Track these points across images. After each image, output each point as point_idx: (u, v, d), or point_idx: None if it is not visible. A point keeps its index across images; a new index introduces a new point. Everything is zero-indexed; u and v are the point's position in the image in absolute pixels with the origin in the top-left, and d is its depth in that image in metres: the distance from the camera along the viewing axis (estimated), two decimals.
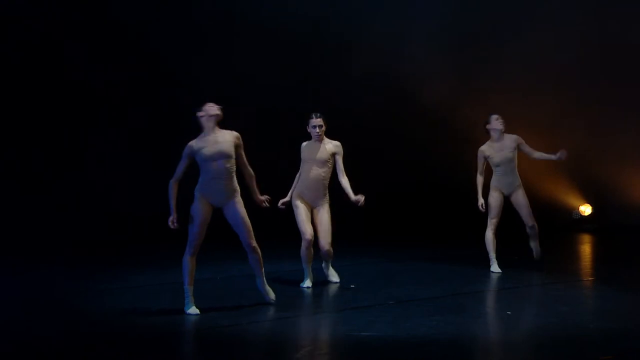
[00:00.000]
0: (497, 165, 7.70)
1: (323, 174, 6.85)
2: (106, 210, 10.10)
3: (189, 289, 5.91)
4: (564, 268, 8.41)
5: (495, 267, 7.66)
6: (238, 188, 5.94)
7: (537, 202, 11.61)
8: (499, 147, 7.65)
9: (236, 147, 5.91)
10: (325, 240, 6.84)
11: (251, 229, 5.95)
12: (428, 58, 10.88)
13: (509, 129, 7.74)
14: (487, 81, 11.03)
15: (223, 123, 5.99)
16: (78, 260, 8.78)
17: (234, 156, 5.87)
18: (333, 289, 6.99)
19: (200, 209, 5.84)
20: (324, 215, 6.85)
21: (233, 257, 8.59)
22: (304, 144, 6.99)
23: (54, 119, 10.15)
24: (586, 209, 11.91)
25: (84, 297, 6.60)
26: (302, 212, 6.87)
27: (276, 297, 6.35)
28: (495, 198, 7.71)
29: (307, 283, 6.97)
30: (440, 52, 10.94)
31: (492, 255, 7.71)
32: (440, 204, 11.56)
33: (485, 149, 7.70)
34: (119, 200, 10.15)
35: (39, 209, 9.91)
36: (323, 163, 6.85)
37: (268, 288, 6.22)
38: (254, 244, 6.01)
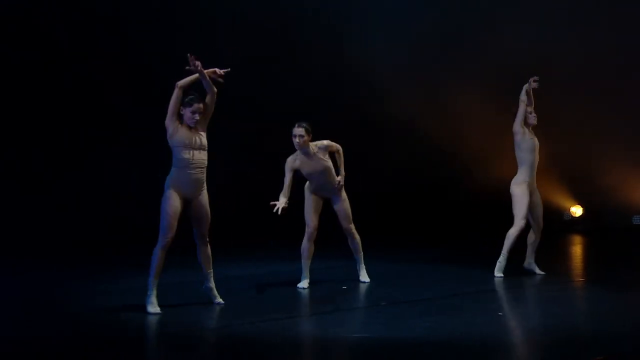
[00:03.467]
0: (530, 152, 7.42)
1: (329, 178, 6.91)
2: (106, 210, 10.14)
3: (153, 282, 5.91)
4: (556, 269, 8.49)
5: (499, 270, 7.45)
6: None
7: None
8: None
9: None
10: (348, 220, 7.02)
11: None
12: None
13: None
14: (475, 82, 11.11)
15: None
16: (78, 260, 8.79)
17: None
18: (328, 289, 7.01)
19: (174, 200, 5.84)
20: (343, 203, 6.99)
21: (227, 259, 8.66)
22: (293, 159, 6.78)
23: (53, 119, 10.13)
24: (577, 211, 12.02)
25: (84, 298, 6.63)
26: (311, 203, 6.94)
27: (271, 297, 6.43)
28: (526, 193, 7.44)
29: (304, 284, 7.01)
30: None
31: (505, 255, 7.42)
32: (437, 205, 11.64)
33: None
34: (119, 200, 10.19)
35: (39, 209, 9.89)
36: (326, 170, 6.88)
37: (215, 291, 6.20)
38: (207, 237, 6.09)
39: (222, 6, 10.66)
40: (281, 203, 6.51)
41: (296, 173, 6.83)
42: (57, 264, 8.52)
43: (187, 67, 5.84)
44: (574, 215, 12.01)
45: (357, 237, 7.16)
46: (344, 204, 7.02)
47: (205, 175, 5.97)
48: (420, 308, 6.20)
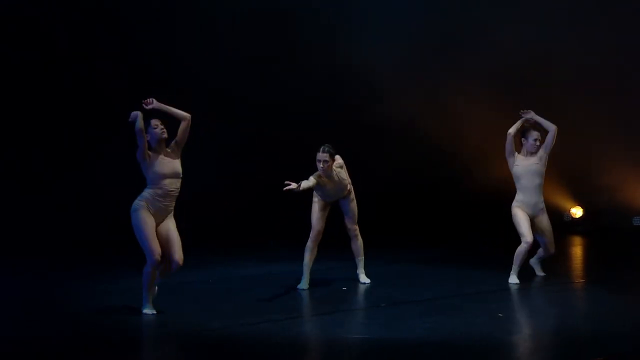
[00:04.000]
0: (519, 179, 7.33)
1: (345, 193, 7.03)
2: (106, 210, 10.12)
3: (148, 297, 5.97)
4: (556, 270, 8.50)
5: (514, 278, 7.29)
6: None
7: None
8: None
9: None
10: (352, 221, 7.07)
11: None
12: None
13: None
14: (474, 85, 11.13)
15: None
16: (78, 260, 8.80)
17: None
18: (328, 290, 7.02)
19: (147, 219, 5.83)
20: (350, 204, 7.04)
21: (226, 260, 8.67)
22: (315, 180, 6.71)
23: (54, 118, 10.13)
24: (577, 212, 12.04)
25: (84, 298, 6.64)
26: (319, 206, 6.98)
27: (271, 298, 6.45)
28: (520, 212, 7.30)
29: (303, 285, 7.01)
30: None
31: (516, 271, 7.30)
32: (437, 205, 11.64)
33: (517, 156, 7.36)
34: (119, 200, 10.17)
35: (39, 208, 9.90)
36: (345, 188, 7.00)
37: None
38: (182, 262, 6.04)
39: (221, 7, 10.65)
40: (295, 185, 6.44)
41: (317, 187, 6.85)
42: (58, 263, 8.53)
43: (145, 108, 5.91)
44: (574, 216, 12.01)
45: (360, 239, 7.19)
46: (351, 204, 7.09)
47: (175, 202, 5.97)
48: (420, 309, 6.21)
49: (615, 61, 10.79)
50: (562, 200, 12.01)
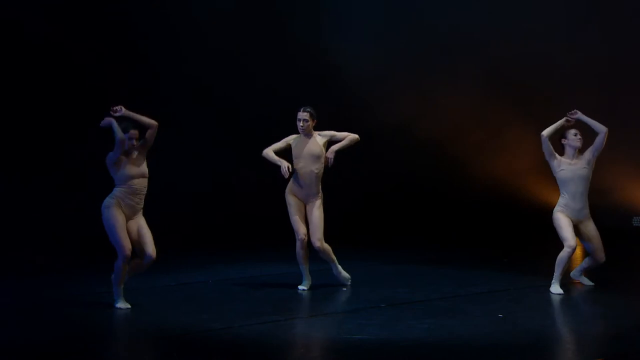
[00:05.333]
0: (563, 183, 6.94)
1: (316, 170, 6.85)
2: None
3: (119, 290, 6.20)
4: (553, 271, 8.52)
5: (556, 288, 6.95)
6: None
7: (527, 207, 11.81)
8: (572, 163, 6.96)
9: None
10: (315, 236, 6.84)
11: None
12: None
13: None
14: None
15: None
16: (78, 261, 8.77)
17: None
18: (326, 291, 7.04)
19: (118, 215, 6.13)
20: (315, 212, 6.86)
21: (226, 261, 8.68)
22: (293, 138, 6.92)
23: (54, 118, 10.12)
24: None
25: (82, 300, 6.64)
26: (295, 210, 6.92)
27: (272, 299, 6.47)
28: (563, 217, 6.93)
29: (304, 285, 7.03)
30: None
31: (558, 278, 6.96)
32: (435, 206, 11.68)
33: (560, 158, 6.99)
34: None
35: (39, 208, 9.86)
36: (316, 157, 6.83)
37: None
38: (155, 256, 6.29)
39: (213, 14, 10.70)
40: (284, 165, 6.69)
41: (288, 152, 6.88)
42: (57, 266, 8.47)
43: (114, 115, 6.20)
44: None
45: (325, 246, 6.94)
46: (317, 211, 6.87)
47: (143, 200, 6.30)
48: (419, 309, 6.23)
49: (615, 61, 10.83)
50: None
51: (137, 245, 6.21)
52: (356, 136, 6.89)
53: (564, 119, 6.97)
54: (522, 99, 11.23)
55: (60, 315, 6.07)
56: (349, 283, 7.13)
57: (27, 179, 10.09)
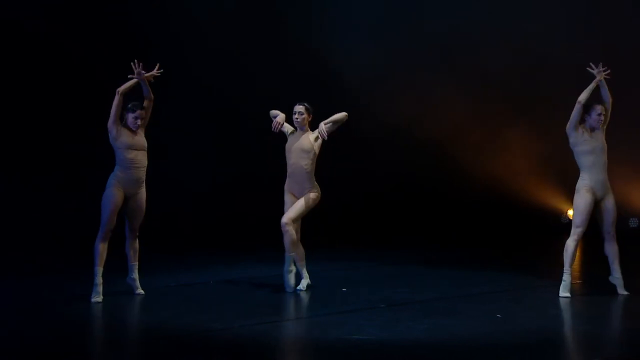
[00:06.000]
0: (586, 155, 6.72)
1: (305, 165, 6.88)
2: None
3: (98, 269, 6.41)
4: (553, 271, 8.56)
5: (565, 290, 6.77)
6: None
7: (527, 207, 11.86)
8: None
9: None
10: (287, 215, 6.82)
11: None
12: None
13: None
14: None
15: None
16: (78, 261, 8.81)
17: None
18: (327, 292, 7.06)
19: (115, 196, 6.43)
20: (301, 199, 6.88)
21: (227, 262, 8.71)
22: (291, 130, 7.00)
23: (54, 118, 10.17)
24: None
25: (82, 300, 6.61)
26: (289, 207, 6.97)
27: (271, 300, 6.51)
28: (584, 199, 6.76)
29: (303, 284, 7.04)
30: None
31: (568, 270, 6.79)
32: (432, 206, 11.73)
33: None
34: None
35: (39, 208, 9.93)
36: (305, 153, 6.88)
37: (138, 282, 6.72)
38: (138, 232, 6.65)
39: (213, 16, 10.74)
40: (275, 121, 6.96)
41: (282, 146, 6.99)
42: (56, 267, 8.50)
43: (129, 76, 6.51)
44: (571, 218, 12.08)
45: (291, 233, 6.86)
46: (304, 198, 6.88)
47: (145, 173, 6.57)
48: (418, 310, 6.26)
49: (612, 62, 10.84)
50: (559, 203, 12.13)
51: (129, 218, 6.57)
52: (344, 113, 6.91)
53: (596, 79, 6.75)
54: (522, 99, 11.28)
55: (61, 315, 6.09)
56: (292, 290, 6.89)
57: (27, 179, 10.15)
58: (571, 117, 6.76)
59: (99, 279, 6.43)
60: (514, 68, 11.01)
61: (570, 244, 6.80)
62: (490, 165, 11.90)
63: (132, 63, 6.50)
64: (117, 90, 6.45)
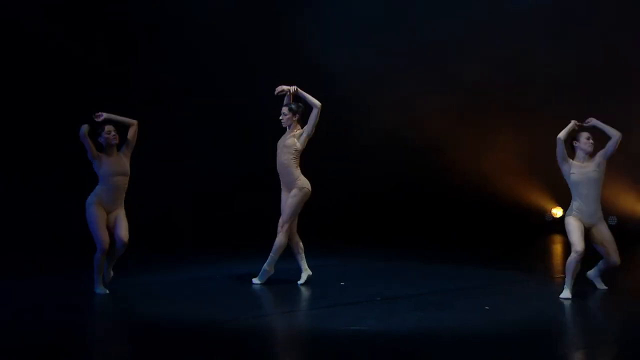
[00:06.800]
0: (575, 187, 6.75)
1: (285, 160, 7.08)
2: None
3: (99, 278, 6.71)
4: (538, 266, 8.81)
5: (566, 293, 6.70)
6: None
7: (512, 206, 12.06)
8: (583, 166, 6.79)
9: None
10: (281, 218, 7.10)
11: None
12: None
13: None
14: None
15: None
16: (78, 261, 8.74)
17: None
18: (327, 286, 7.17)
19: (98, 212, 6.68)
20: (288, 200, 7.09)
21: (233, 257, 8.81)
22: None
23: (54, 118, 10.10)
24: (558, 212, 12.41)
25: (82, 300, 6.64)
26: (283, 203, 7.20)
27: (273, 294, 6.71)
28: (574, 222, 6.73)
29: (302, 277, 7.21)
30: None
31: (569, 283, 6.71)
32: (423, 207, 11.89)
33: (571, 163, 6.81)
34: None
35: (39, 208, 9.90)
36: (287, 148, 7.07)
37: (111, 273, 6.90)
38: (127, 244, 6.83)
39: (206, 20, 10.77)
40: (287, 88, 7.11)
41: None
42: (57, 264, 8.46)
43: (97, 121, 6.75)
44: (554, 216, 12.38)
45: (281, 238, 7.11)
46: (290, 200, 7.08)
47: (124, 196, 6.83)
48: (412, 303, 6.44)
49: (593, 68, 11.07)
50: (543, 202, 12.35)
51: (112, 230, 6.75)
52: (319, 103, 7.09)
53: (573, 122, 6.84)
54: (511, 104, 11.28)
55: (61, 315, 6.05)
56: (257, 283, 7.11)
57: (27, 179, 10.08)
58: (557, 154, 6.80)
59: (100, 285, 6.70)
60: (500, 75, 11.05)
61: (572, 262, 6.67)
62: (478, 166, 11.96)
63: (93, 116, 6.72)
64: (80, 134, 6.64)
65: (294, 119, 7.13)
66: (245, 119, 10.93)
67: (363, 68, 11.20)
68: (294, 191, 7.06)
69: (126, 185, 6.80)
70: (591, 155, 6.82)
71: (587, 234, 6.76)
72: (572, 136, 6.85)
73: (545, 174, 11.74)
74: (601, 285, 7.01)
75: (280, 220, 7.12)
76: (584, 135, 6.80)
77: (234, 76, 11.04)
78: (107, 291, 6.68)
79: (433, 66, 11.24)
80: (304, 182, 7.09)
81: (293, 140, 7.09)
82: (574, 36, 10.85)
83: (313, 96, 7.10)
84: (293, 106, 7.14)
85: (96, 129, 6.74)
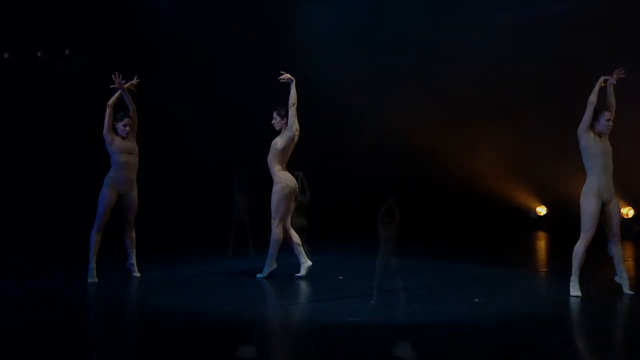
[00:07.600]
0: (596, 159, 6.54)
1: (269, 160, 7.51)
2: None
3: (93, 257, 7.18)
4: (523, 261, 9.12)
5: (575, 290, 6.63)
6: None
7: (498, 205, 12.33)
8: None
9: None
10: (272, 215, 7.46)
11: None
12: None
13: None
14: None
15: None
16: (78, 261, 8.98)
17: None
18: (326, 280, 7.39)
19: (109, 195, 7.25)
20: (272, 196, 7.45)
21: (238, 254, 8.99)
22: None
23: (54, 118, 10.27)
24: (542, 210, 12.77)
25: (82, 300, 6.70)
26: None
27: (275, 287, 6.95)
28: (592, 204, 6.54)
29: (302, 270, 7.43)
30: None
31: (576, 272, 6.61)
32: (419, 205, 12.17)
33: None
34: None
35: (39, 208, 10.02)
36: (272, 148, 7.50)
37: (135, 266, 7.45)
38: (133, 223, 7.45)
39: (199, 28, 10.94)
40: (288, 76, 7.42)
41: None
42: (61, 258, 8.55)
43: (111, 86, 7.26)
44: (539, 214, 12.74)
45: (275, 234, 7.39)
46: (272, 197, 7.44)
47: (136, 173, 7.39)
48: (405, 296, 6.62)
49: (569, 75, 11.32)
50: (528, 200, 12.67)
51: (123, 211, 7.35)
52: (292, 102, 7.39)
53: (602, 79, 6.61)
54: (503, 105, 11.51)
55: (61, 315, 6.05)
56: (261, 277, 7.39)
57: (27, 179, 10.19)
58: (583, 120, 6.56)
59: (94, 264, 7.18)
60: (487, 81, 11.27)
61: (580, 249, 6.57)
62: (466, 168, 12.17)
63: (112, 75, 7.22)
64: (107, 104, 7.25)
65: (282, 122, 7.48)
66: (245, 118, 11.06)
67: (358, 75, 11.36)
68: (274, 188, 7.42)
69: (137, 164, 7.36)
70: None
71: (602, 211, 6.56)
72: (595, 115, 6.61)
73: (530, 175, 12.08)
74: (628, 290, 6.77)
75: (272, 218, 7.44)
76: (605, 116, 6.58)
77: (234, 77, 11.20)
78: (97, 279, 7.10)
79: (422, 72, 11.43)
80: (282, 179, 7.38)
81: (277, 140, 7.49)
82: (557, 45, 11.05)
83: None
84: (282, 111, 7.52)
85: (115, 115, 7.29)
